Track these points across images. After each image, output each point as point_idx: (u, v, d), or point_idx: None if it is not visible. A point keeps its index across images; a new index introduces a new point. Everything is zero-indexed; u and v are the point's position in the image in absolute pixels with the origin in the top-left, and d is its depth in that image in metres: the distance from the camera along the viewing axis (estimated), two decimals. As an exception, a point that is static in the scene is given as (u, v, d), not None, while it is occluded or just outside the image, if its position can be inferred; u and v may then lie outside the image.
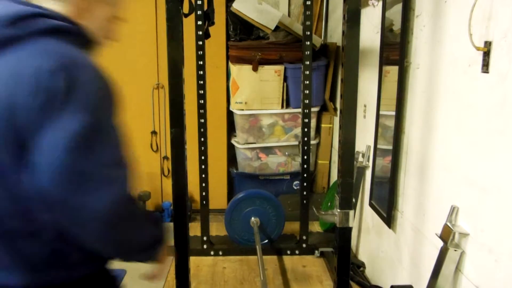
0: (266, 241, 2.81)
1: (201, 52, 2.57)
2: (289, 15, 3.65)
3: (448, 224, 1.50)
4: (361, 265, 2.63)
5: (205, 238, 2.80)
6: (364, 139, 2.59)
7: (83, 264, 0.93)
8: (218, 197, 3.49)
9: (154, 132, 3.50)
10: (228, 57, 3.38)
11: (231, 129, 3.55)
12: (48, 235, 0.86)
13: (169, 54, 1.62)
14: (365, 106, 2.62)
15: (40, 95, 0.77)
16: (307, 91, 2.65)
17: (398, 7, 1.97)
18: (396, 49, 2.01)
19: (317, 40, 3.35)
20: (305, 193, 2.77)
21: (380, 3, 2.27)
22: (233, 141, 3.49)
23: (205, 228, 2.80)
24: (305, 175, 2.75)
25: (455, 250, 1.46)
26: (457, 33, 1.52)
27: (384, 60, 2.20)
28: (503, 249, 1.26)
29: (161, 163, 3.55)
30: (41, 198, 0.79)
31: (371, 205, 2.42)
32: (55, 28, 0.85)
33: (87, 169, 0.80)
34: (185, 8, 1.77)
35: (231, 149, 3.55)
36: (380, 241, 2.36)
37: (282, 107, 3.33)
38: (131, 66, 3.44)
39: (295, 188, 3.47)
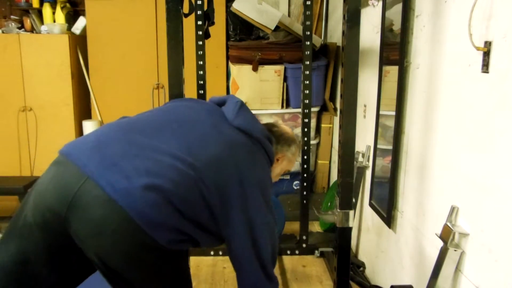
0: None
1: (201, 52, 2.56)
2: (289, 15, 3.65)
3: (448, 224, 1.50)
4: (361, 265, 2.63)
5: (205, 238, 2.80)
6: (364, 139, 2.58)
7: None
8: (218, 197, 3.49)
9: (154, 132, 3.50)
10: (228, 57, 3.39)
11: (231, 129, 3.55)
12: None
13: (169, 54, 1.62)
14: (365, 106, 2.62)
15: None
16: (307, 91, 2.65)
17: (398, 7, 1.97)
18: (396, 49, 2.01)
19: (317, 40, 3.35)
20: (305, 193, 2.76)
21: (380, 3, 2.27)
22: (233, 141, 3.49)
23: None
24: (305, 175, 2.75)
25: (455, 250, 1.46)
26: (457, 33, 1.52)
27: (384, 60, 2.20)
28: (503, 249, 1.26)
29: (161, 163, 3.55)
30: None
31: (371, 205, 2.42)
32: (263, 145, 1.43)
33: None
34: (185, 8, 1.78)
35: (231, 149, 3.55)
36: (380, 241, 2.36)
37: (282, 107, 3.33)
38: (131, 66, 3.44)
39: (295, 188, 3.47)
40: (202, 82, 2.60)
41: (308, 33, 2.61)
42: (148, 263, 1.18)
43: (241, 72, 3.23)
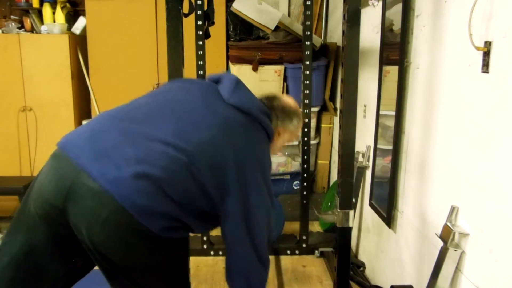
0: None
1: (201, 52, 2.56)
2: (289, 15, 3.65)
3: (448, 224, 1.50)
4: (361, 265, 2.63)
5: (205, 238, 2.80)
6: (364, 139, 2.58)
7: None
8: (218, 197, 3.49)
9: (154, 132, 3.50)
10: (228, 57, 3.39)
11: (231, 129, 3.55)
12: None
13: (169, 54, 1.62)
14: (365, 106, 2.62)
15: None
16: (307, 91, 2.65)
17: (398, 7, 1.97)
18: (396, 49, 2.01)
19: (317, 40, 3.35)
20: (305, 193, 2.76)
21: (380, 3, 2.27)
22: (233, 141, 3.49)
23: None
24: (305, 175, 2.75)
25: (455, 250, 1.46)
26: (457, 33, 1.52)
27: (384, 60, 2.20)
28: (503, 249, 1.26)
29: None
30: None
31: (371, 205, 2.42)
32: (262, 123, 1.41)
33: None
34: (185, 8, 1.78)
35: (231, 149, 3.55)
36: (380, 241, 2.36)
37: (282, 107, 3.32)
38: (131, 66, 3.44)
39: (295, 188, 3.47)
40: (202, 82, 2.61)
41: (308, 33, 2.61)
42: (142, 252, 1.19)
43: (241, 72, 3.23)
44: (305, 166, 2.74)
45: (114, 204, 1.11)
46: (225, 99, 1.37)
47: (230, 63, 3.35)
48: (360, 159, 2.62)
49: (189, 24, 2.19)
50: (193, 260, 2.66)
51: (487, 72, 1.33)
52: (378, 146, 2.31)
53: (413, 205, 1.92)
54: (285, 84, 3.28)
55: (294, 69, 3.17)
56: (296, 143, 3.39)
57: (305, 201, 2.77)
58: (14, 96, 3.40)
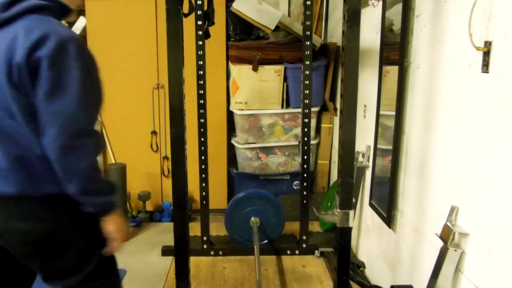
0: (266, 241, 2.82)
1: (201, 52, 2.57)
2: (289, 15, 3.65)
3: (448, 224, 1.50)
4: (361, 265, 2.63)
5: (205, 238, 2.80)
6: (364, 139, 2.58)
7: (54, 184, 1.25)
8: (218, 197, 3.49)
9: (154, 132, 3.50)
10: (228, 57, 3.39)
11: (231, 129, 3.55)
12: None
13: (169, 54, 1.62)
14: (365, 106, 2.62)
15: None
16: (307, 91, 2.65)
17: (398, 7, 1.97)
18: (396, 49, 2.01)
19: (317, 40, 3.36)
20: (305, 193, 2.77)
21: (380, 3, 2.27)
22: (233, 141, 3.50)
23: (205, 228, 2.80)
24: (305, 175, 2.75)
25: (455, 250, 1.46)
26: (457, 33, 1.52)
27: (384, 60, 2.20)
28: (503, 249, 1.26)
29: (161, 163, 3.55)
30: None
31: (371, 205, 2.42)
32: (36, 7, 1.22)
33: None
34: (185, 8, 1.78)
35: (231, 149, 3.55)
36: (380, 241, 2.36)
37: (282, 107, 3.33)
38: (131, 66, 3.44)
39: (295, 188, 3.47)
40: (202, 82, 2.61)
41: (308, 33, 2.61)
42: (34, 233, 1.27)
43: (241, 72, 3.23)
44: (305, 166, 2.74)
45: None
46: None
47: (230, 63, 3.35)
48: (360, 159, 2.62)
49: (189, 24, 2.19)
50: (193, 260, 2.65)
51: (487, 72, 1.33)
52: (378, 146, 2.31)
53: (413, 205, 1.92)
54: (285, 84, 3.28)
55: (294, 69, 3.17)
56: (296, 143, 3.39)
57: (305, 201, 2.77)
58: (14, 96, 3.40)
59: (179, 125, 1.65)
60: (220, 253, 2.82)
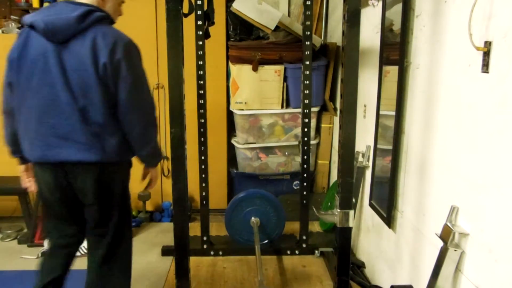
0: (266, 241, 2.82)
1: (201, 52, 2.57)
2: (289, 15, 3.65)
3: (448, 224, 1.50)
4: (361, 265, 2.63)
5: (205, 238, 2.80)
6: (364, 139, 2.58)
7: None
8: (218, 197, 3.49)
9: (154, 132, 3.50)
10: (228, 57, 3.38)
11: (231, 129, 3.55)
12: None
13: (169, 54, 1.62)
14: (365, 106, 2.62)
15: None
16: (307, 91, 2.65)
17: (398, 7, 1.97)
18: (396, 49, 2.01)
19: (317, 40, 3.36)
20: (305, 193, 2.77)
21: (380, 3, 2.27)
22: (233, 141, 3.50)
23: (205, 228, 2.80)
24: (305, 175, 2.75)
25: (455, 250, 1.46)
26: (457, 33, 1.52)
27: (384, 60, 2.20)
28: (503, 249, 1.26)
29: (161, 163, 3.55)
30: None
31: (371, 205, 2.42)
32: (101, 18, 1.64)
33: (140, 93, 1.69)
34: (185, 8, 1.78)
35: (231, 149, 3.55)
36: (380, 241, 2.36)
37: (282, 107, 3.33)
38: (131, 66, 3.44)
39: (295, 188, 3.47)
40: (202, 82, 2.61)
41: (308, 33, 2.61)
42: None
43: (241, 72, 3.23)
44: (305, 166, 2.74)
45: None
46: None
47: (230, 63, 3.35)
48: (360, 159, 2.62)
49: (189, 24, 2.19)
50: (193, 260, 2.66)
51: (487, 72, 1.33)
52: (378, 146, 2.31)
53: (413, 205, 1.92)
54: (285, 84, 3.28)
55: (294, 69, 3.17)
56: (296, 143, 3.39)
57: (305, 201, 2.77)
58: (14, 96, 3.40)
59: (179, 125, 1.65)
60: (220, 253, 2.82)
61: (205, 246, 2.81)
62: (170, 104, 1.66)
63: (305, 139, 2.72)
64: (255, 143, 3.40)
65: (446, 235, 1.49)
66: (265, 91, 3.27)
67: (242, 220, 2.79)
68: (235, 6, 3.23)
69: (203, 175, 2.76)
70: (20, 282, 2.60)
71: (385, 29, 2.17)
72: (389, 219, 2.12)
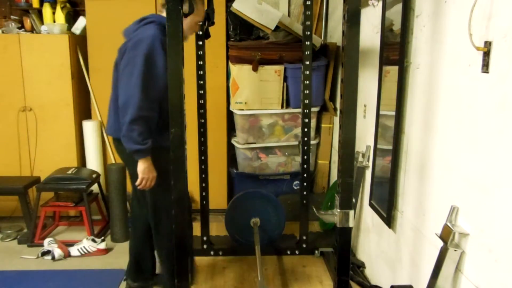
0: (266, 241, 2.81)
1: (201, 52, 2.56)
2: (289, 15, 3.65)
3: (448, 224, 1.50)
4: (361, 265, 2.63)
5: (205, 238, 2.80)
6: (364, 139, 2.58)
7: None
8: (218, 197, 3.49)
9: (154, 132, 3.50)
10: (228, 57, 3.38)
11: (231, 129, 3.55)
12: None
13: (169, 54, 1.62)
14: (365, 106, 2.62)
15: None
16: (307, 91, 2.65)
17: (398, 7, 1.97)
18: (396, 49, 2.01)
19: (317, 40, 3.35)
20: (305, 193, 2.76)
21: (380, 3, 2.27)
22: (233, 141, 3.49)
23: (205, 228, 2.80)
24: (305, 175, 2.75)
25: (455, 250, 1.46)
26: (457, 33, 1.52)
27: (384, 60, 2.20)
28: (503, 249, 1.26)
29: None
30: None
31: (371, 205, 2.42)
32: (149, 21, 2.14)
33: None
34: (185, 8, 1.77)
35: (231, 149, 3.55)
36: (380, 241, 2.36)
37: (282, 107, 3.33)
38: (131, 66, 3.44)
39: (295, 188, 3.47)
40: (202, 82, 2.61)
41: (308, 33, 2.61)
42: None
43: (241, 72, 3.23)
44: (305, 166, 2.74)
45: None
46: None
47: (230, 63, 3.35)
48: (360, 159, 2.62)
49: (189, 24, 2.18)
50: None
51: (487, 72, 1.33)
52: (378, 146, 2.31)
53: (413, 205, 1.92)
54: (285, 84, 3.28)
55: (294, 69, 3.17)
56: (296, 143, 3.39)
57: (305, 201, 2.77)
58: (14, 96, 3.40)
59: (179, 125, 1.65)
60: (220, 253, 2.81)
61: (205, 246, 2.81)
62: (170, 104, 1.65)
63: (305, 139, 2.72)
64: (255, 143, 3.40)
65: (446, 235, 1.49)
66: (265, 91, 3.27)
67: (242, 220, 2.79)
68: (235, 6, 3.23)
69: (203, 175, 2.76)
70: (20, 282, 2.61)
71: (385, 29, 2.17)
72: (389, 219, 2.12)
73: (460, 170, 1.51)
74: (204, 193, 2.78)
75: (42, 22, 3.60)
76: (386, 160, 2.22)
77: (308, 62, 2.62)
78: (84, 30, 3.50)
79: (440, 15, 1.66)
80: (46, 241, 2.96)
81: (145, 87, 1.95)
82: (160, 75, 1.98)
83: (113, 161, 3.54)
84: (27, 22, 3.59)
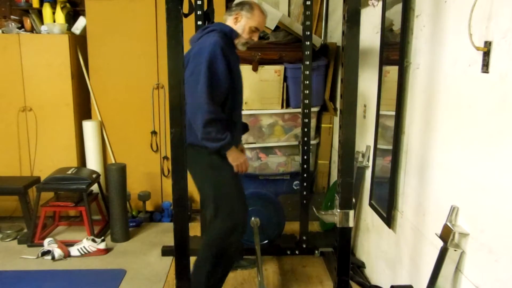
0: (266, 241, 2.81)
1: (201, 52, 2.56)
2: (289, 15, 3.65)
3: (448, 224, 1.50)
4: (361, 265, 2.63)
5: (205, 238, 2.80)
6: (364, 139, 2.59)
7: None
8: (218, 197, 3.48)
9: (154, 132, 3.50)
10: (228, 57, 3.38)
11: (231, 129, 3.55)
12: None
13: (169, 54, 1.62)
14: (365, 106, 2.62)
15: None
16: (307, 91, 2.65)
17: (398, 7, 1.97)
18: (396, 49, 2.01)
19: (317, 40, 3.35)
20: (305, 193, 2.76)
21: (380, 3, 2.27)
22: (233, 141, 3.49)
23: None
24: (305, 175, 2.75)
25: (455, 250, 1.46)
26: (457, 33, 1.52)
27: (384, 60, 2.20)
28: (503, 249, 1.26)
29: (161, 163, 3.55)
30: None
31: (371, 205, 2.42)
32: (211, 30, 2.16)
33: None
34: (185, 8, 1.77)
35: (231, 149, 3.55)
36: (380, 241, 2.36)
37: (282, 107, 3.33)
38: (131, 66, 3.44)
39: (295, 188, 3.47)
40: (202, 82, 2.60)
41: (308, 33, 2.61)
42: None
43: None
44: (305, 166, 2.74)
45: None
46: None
47: (230, 63, 3.35)
48: (360, 159, 2.62)
49: (189, 24, 2.19)
50: (193, 260, 2.65)
51: (487, 72, 1.33)
52: (378, 146, 2.31)
53: (413, 205, 1.92)
54: (285, 84, 3.28)
55: (294, 69, 3.17)
56: (296, 143, 3.39)
57: (305, 201, 2.77)
58: (14, 96, 3.40)
59: (179, 125, 1.65)
60: (220, 253, 2.81)
61: (205, 246, 2.80)
62: (170, 104, 1.65)
63: (305, 139, 2.72)
64: (255, 143, 3.40)
65: (446, 235, 1.49)
66: (265, 91, 3.27)
67: (242, 220, 2.79)
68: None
69: (203, 175, 2.76)
70: (20, 282, 2.61)
71: (385, 29, 2.17)
72: (389, 219, 2.12)
73: (460, 170, 1.51)
74: (204, 193, 2.78)
75: (42, 22, 3.60)
76: (386, 160, 2.22)
77: (308, 62, 2.62)
78: (84, 30, 3.50)
79: (440, 15, 1.66)
80: (46, 241, 2.96)
81: (210, 92, 2.01)
82: (223, 80, 2.05)
83: (113, 161, 3.55)
84: (27, 22, 3.59)
